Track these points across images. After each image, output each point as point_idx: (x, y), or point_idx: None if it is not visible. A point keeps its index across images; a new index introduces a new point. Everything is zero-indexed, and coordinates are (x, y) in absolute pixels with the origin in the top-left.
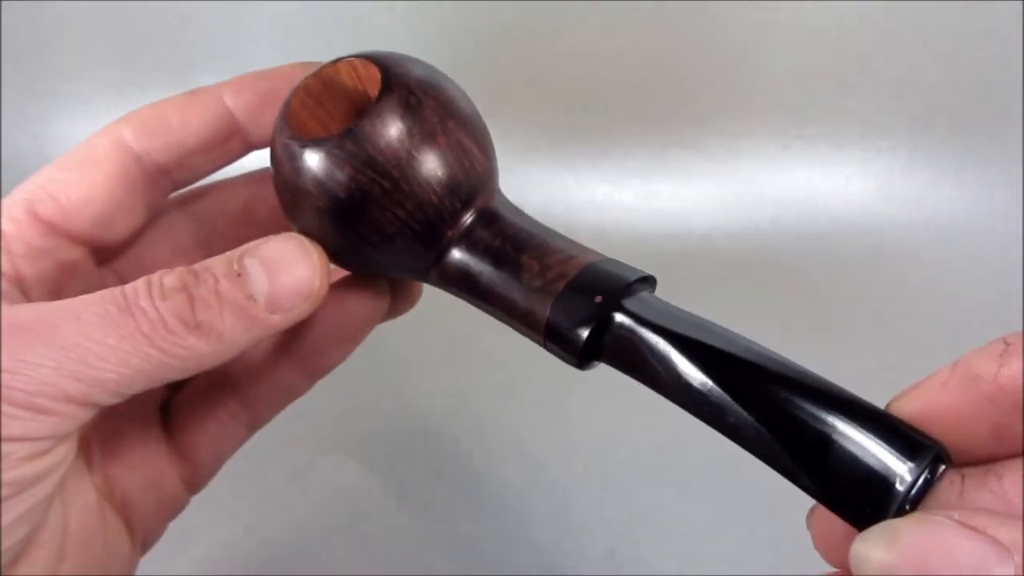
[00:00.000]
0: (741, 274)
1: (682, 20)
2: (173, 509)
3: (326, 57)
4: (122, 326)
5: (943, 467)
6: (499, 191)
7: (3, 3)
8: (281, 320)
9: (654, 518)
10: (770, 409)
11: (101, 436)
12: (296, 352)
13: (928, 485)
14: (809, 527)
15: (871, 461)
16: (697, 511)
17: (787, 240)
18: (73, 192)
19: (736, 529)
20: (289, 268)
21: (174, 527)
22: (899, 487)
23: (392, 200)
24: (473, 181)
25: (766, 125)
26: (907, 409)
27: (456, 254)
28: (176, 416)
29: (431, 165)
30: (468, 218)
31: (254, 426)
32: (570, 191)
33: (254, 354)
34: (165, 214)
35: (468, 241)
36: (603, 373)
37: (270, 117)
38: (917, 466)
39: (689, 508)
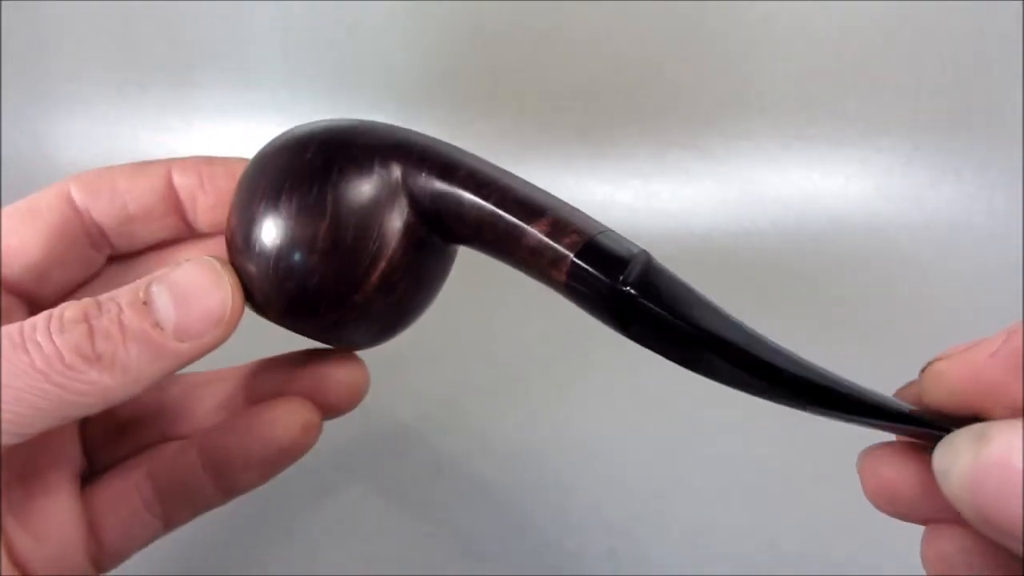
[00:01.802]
0: (741, 274)
1: (682, 20)
2: None
3: (325, 59)
4: (14, 362)
5: None
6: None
7: (3, 3)
8: (191, 349)
9: (655, 517)
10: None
11: (8, 500)
12: (209, 461)
13: None
14: (861, 470)
15: None
16: (698, 510)
17: (787, 240)
18: (10, 240)
19: (737, 528)
20: (198, 294)
21: None
22: None
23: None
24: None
25: (766, 125)
26: (955, 373)
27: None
28: (94, 492)
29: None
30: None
31: (168, 524)
32: (570, 191)
33: (175, 447)
34: (106, 275)
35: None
36: (604, 371)
37: (206, 202)
38: None
39: (690, 507)
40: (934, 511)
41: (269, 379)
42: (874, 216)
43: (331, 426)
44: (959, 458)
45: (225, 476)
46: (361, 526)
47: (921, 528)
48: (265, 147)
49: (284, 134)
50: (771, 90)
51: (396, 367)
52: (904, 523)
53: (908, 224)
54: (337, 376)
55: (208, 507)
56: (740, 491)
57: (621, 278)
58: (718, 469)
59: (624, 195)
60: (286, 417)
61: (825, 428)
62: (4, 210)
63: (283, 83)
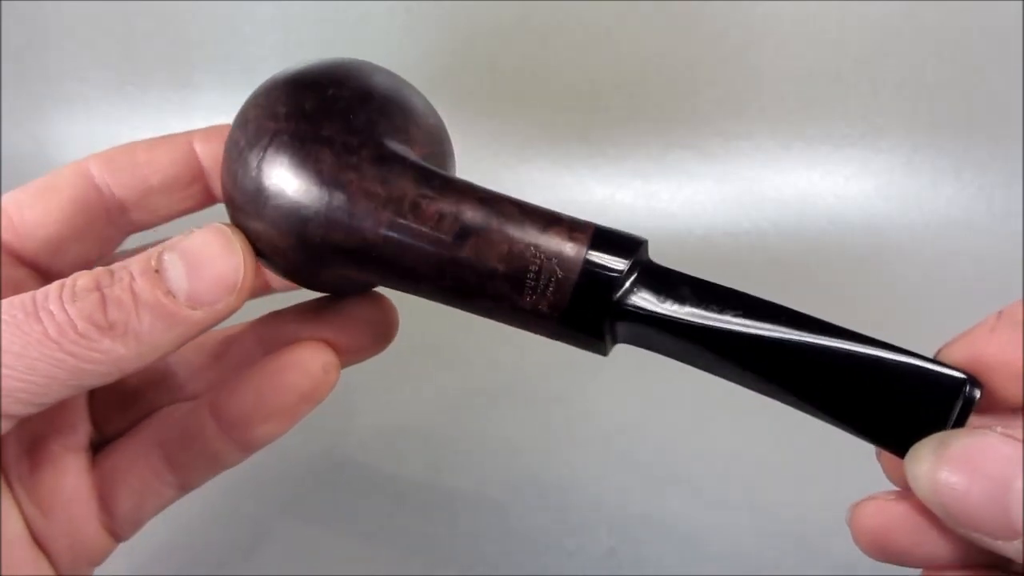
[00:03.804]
0: (741, 274)
1: (682, 20)
2: (94, 555)
3: (326, 57)
4: (28, 332)
5: (979, 391)
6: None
7: (3, 3)
8: (205, 316)
9: (655, 517)
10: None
11: (17, 471)
12: (224, 418)
13: (968, 409)
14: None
15: (923, 389)
16: (698, 510)
17: (787, 240)
18: (27, 213)
19: (737, 528)
20: (211, 261)
21: (167, 512)
22: (957, 401)
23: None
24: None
25: (766, 125)
26: (958, 355)
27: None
28: (103, 462)
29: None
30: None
31: (183, 488)
32: (570, 191)
33: (183, 410)
34: (124, 254)
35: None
36: (604, 372)
37: None
38: (959, 391)
39: (690, 507)
40: (925, 554)
41: (282, 329)
42: (874, 216)
43: (331, 425)
44: (924, 464)
45: (243, 431)
46: (361, 526)
47: None
48: (254, 93)
49: (272, 79)
50: (771, 90)
51: (397, 367)
52: None
53: (908, 224)
54: (367, 315)
55: (224, 466)
56: (740, 491)
57: (609, 338)
58: (719, 469)
59: (624, 195)
60: (306, 360)
61: (825, 428)
62: (23, 186)
63: None
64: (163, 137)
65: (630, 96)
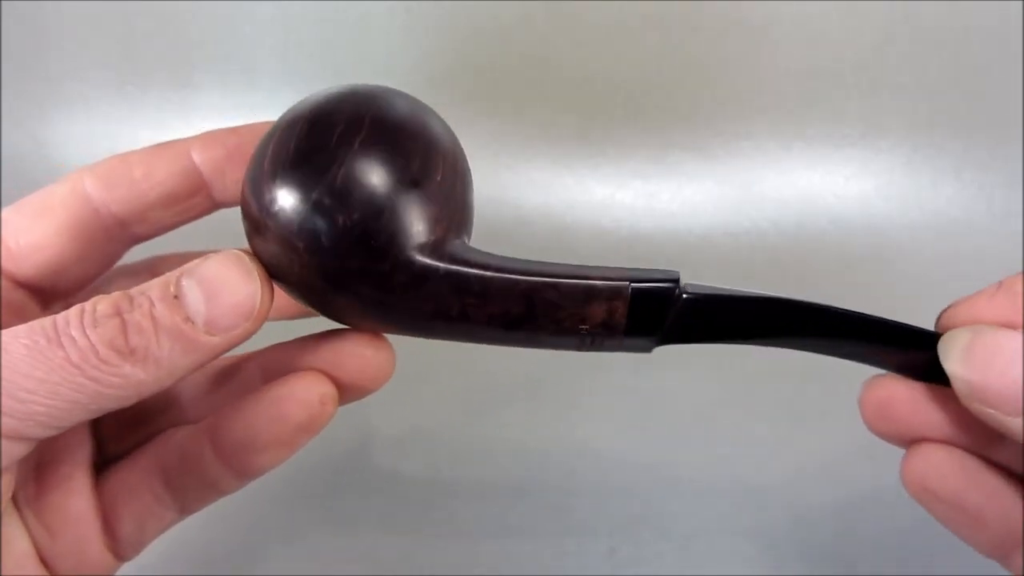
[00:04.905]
0: (741, 274)
1: (682, 20)
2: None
3: (326, 60)
4: (51, 357)
5: None
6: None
7: (3, 3)
8: (222, 341)
9: (655, 518)
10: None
11: (24, 492)
12: (221, 445)
13: None
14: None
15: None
16: (698, 510)
17: (787, 240)
18: (22, 237)
19: (737, 528)
20: (228, 287)
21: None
22: None
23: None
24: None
25: (766, 125)
26: (961, 317)
27: None
28: (106, 483)
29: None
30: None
31: (183, 512)
32: (570, 191)
33: (183, 434)
34: (129, 272)
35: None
36: (605, 372)
37: (236, 174)
38: None
39: (690, 507)
40: (919, 425)
41: (282, 360)
42: (874, 216)
43: (332, 426)
44: (959, 341)
45: (239, 460)
46: (361, 526)
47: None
48: (291, 110)
49: (305, 103)
50: (771, 90)
51: (398, 368)
52: (904, 528)
53: (908, 224)
54: (362, 352)
55: (223, 493)
56: (740, 491)
57: (657, 339)
58: (718, 469)
59: (624, 195)
60: (302, 391)
61: (825, 430)
62: (16, 204)
63: (283, 83)
64: (159, 147)
65: (630, 96)
